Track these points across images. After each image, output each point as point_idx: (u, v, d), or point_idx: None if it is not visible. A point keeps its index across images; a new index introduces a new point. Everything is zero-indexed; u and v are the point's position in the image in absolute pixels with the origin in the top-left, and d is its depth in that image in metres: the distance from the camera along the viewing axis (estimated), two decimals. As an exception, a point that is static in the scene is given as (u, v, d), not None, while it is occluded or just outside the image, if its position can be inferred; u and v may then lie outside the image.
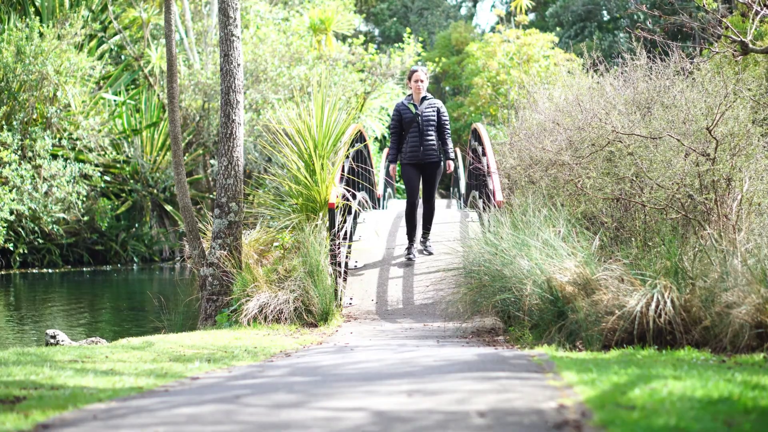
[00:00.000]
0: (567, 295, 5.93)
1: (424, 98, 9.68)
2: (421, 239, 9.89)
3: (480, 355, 4.92)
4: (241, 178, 8.95)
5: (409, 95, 9.76)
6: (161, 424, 2.96)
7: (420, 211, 9.90)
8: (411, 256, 9.62)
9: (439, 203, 18.42)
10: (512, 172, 10.10)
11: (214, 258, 8.81)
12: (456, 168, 19.57)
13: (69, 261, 22.16)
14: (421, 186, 9.80)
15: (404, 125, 9.60)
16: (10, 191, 19.36)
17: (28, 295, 16.66)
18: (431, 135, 9.62)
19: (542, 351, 5.33)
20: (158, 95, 24.49)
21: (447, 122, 9.74)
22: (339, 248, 8.81)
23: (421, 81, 9.61)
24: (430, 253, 9.67)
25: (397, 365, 4.53)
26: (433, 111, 9.64)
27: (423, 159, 9.59)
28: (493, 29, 34.89)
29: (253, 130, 22.85)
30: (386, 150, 9.88)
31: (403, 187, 28.97)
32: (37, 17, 22.08)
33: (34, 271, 20.96)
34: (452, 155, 9.68)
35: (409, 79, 9.72)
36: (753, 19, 7.72)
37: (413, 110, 9.58)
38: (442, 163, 9.68)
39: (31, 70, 20.29)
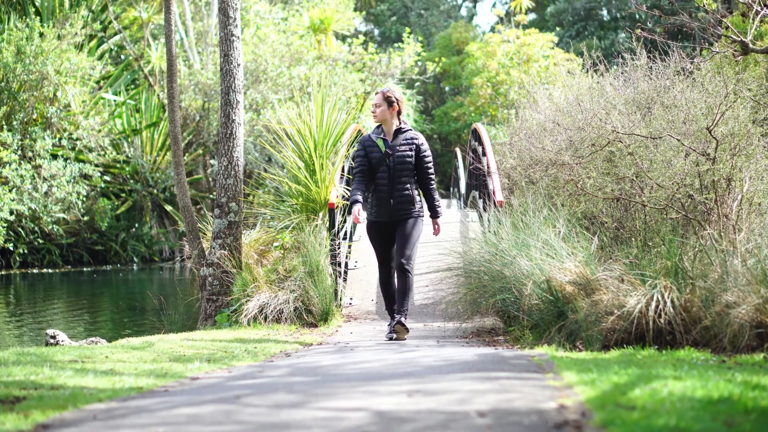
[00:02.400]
0: (567, 295, 5.93)
1: (398, 131, 7.00)
2: (396, 315, 6.93)
3: (480, 355, 4.92)
4: (241, 178, 8.95)
5: (378, 127, 7.09)
6: (161, 424, 2.96)
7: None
8: (392, 335, 6.92)
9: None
10: (512, 172, 10.10)
11: (214, 258, 8.81)
12: (456, 168, 19.56)
13: (69, 261, 22.15)
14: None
15: (371, 167, 6.99)
16: (10, 191, 19.35)
17: (28, 295, 16.66)
18: (406, 184, 6.93)
19: (542, 351, 5.33)
20: (158, 95, 24.49)
21: (430, 165, 7.00)
22: (339, 248, 8.81)
23: (380, 106, 7.00)
24: (408, 331, 6.89)
25: (397, 365, 4.53)
26: (410, 149, 6.93)
27: (393, 217, 6.95)
28: (492, 29, 34.89)
29: (253, 130, 22.85)
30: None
31: None
32: (37, 17, 22.08)
33: (34, 271, 20.96)
34: (441, 212, 7.10)
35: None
36: (753, 19, 7.71)
37: (382, 148, 6.93)
38: (420, 219, 7.00)
39: (31, 70, 20.29)
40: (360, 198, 6.85)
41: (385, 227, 6.97)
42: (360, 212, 6.78)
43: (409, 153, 6.94)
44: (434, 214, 7.09)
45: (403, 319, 6.82)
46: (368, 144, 7.01)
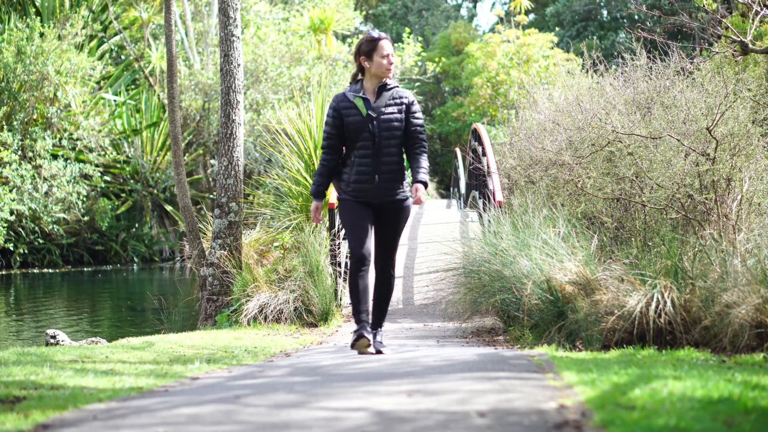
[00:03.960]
0: (567, 295, 5.93)
1: (382, 88, 5.55)
2: (371, 326, 5.57)
3: (480, 355, 4.92)
4: (241, 178, 8.96)
5: (356, 83, 5.60)
6: (161, 424, 2.96)
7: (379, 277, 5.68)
8: (369, 348, 5.44)
9: (439, 203, 18.41)
10: (512, 172, 10.10)
11: (214, 258, 8.81)
12: (456, 168, 19.56)
13: (69, 261, 22.16)
14: (374, 234, 5.61)
15: (348, 134, 5.51)
16: (11, 191, 19.36)
17: (28, 295, 16.66)
18: (395, 155, 5.52)
19: (542, 351, 5.33)
20: (158, 95, 24.50)
21: (422, 127, 5.60)
22: (339, 248, 8.81)
23: (392, 56, 5.56)
24: (379, 351, 5.45)
25: (397, 365, 4.53)
26: (399, 110, 5.51)
27: (380, 196, 5.51)
28: (492, 29, 34.90)
29: (253, 130, 22.86)
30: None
31: None
32: (38, 17, 22.09)
33: (35, 271, 20.97)
34: (425, 176, 5.48)
35: (368, 54, 5.51)
36: (753, 20, 7.72)
37: (363, 109, 5.47)
38: (409, 206, 5.62)
39: (32, 70, 20.30)
40: (324, 189, 5.58)
41: (366, 206, 5.54)
42: (319, 210, 5.58)
43: (398, 116, 5.49)
44: (416, 176, 5.47)
45: (379, 338, 5.58)
46: (344, 105, 5.50)
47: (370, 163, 5.47)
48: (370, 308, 5.56)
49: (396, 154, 5.53)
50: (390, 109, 5.51)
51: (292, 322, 8.03)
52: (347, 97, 5.54)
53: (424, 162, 5.55)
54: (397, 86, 5.64)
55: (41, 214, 20.26)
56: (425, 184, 5.47)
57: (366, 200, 5.52)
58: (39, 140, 20.37)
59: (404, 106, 5.53)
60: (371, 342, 5.40)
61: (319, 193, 5.59)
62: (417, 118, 5.56)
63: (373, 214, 5.55)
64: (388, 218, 5.58)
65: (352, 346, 5.43)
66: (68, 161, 21.20)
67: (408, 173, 5.68)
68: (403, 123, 5.53)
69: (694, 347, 5.18)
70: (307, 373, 4.38)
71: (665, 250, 5.93)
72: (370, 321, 5.54)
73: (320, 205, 5.59)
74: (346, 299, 8.93)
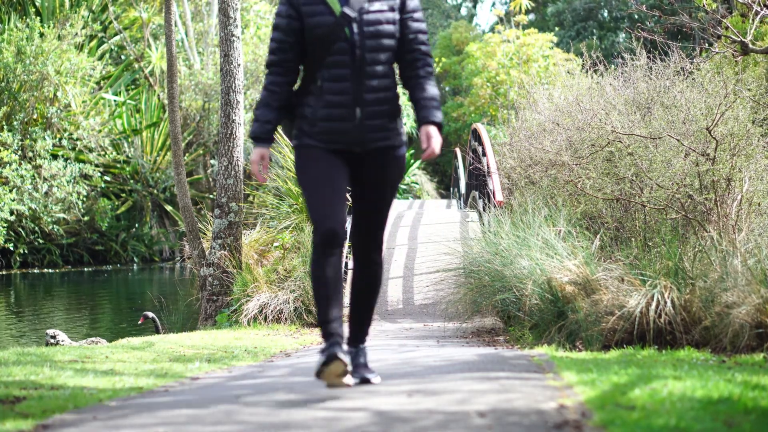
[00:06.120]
0: (567, 295, 5.93)
1: None
2: (348, 341, 3.83)
3: (480, 355, 4.92)
4: (241, 178, 8.96)
5: None
6: (161, 424, 2.96)
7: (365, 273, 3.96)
8: (344, 377, 3.50)
9: (439, 203, 18.36)
10: (512, 172, 10.10)
11: (214, 258, 8.81)
12: (456, 168, 19.56)
13: (69, 261, 22.16)
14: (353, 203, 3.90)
15: (312, 46, 3.68)
16: (11, 191, 19.36)
17: (28, 296, 16.66)
18: (384, 77, 3.73)
19: (542, 351, 5.33)
20: (158, 95, 24.50)
21: (424, 35, 3.79)
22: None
23: None
24: (365, 380, 3.71)
25: (397, 365, 4.53)
26: (391, 7, 3.74)
27: (363, 141, 3.71)
28: (492, 29, 34.91)
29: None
30: None
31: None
32: (38, 17, 22.09)
33: (35, 271, 20.97)
34: (438, 113, 3.72)
35: None
36: (753, 20, 7.72)
37: (336, 5, 3.68)
38: (402, 151, 3.79)
39: (32, 70, 20.30)
40: (272, 128, 3.70)
41: (338, 157, 3.69)
42: (264, 160, 3.69)
43: (390, 15, 3.71)
44: (426, 115, 3.70)
45: (363, 359, 3.76)
46: (306, 0, 3.68)
47: (349, 89, 3.63)
48: (346, 314, 4.02)
49: (387, 74, 3.69)
50: (377, 6, 3.70)
51: (292, 322, 8.02)
52: None
53: (433, 89, 3.75)
54: None
55: (41, 214, 20.26)
56: (439, 126, 3.69)
57: (340, 148, 3.68)
58: (39, 140, 20.37)
59: (397, 1, 3.74)
60: (348, 366, 3.45)
61: (265, 134, 3.69)
62: (417, 20, 3.77)
63: (349, 170, 3.72)
64: (375, 176, 3.73)
65: (318, 375, 3.45)
66: (68, 161, 21.20)
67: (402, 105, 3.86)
68: (397, 27, 3.72)
69: (695, 347, 5.18)
70: (307, 373, 4.38)
71: (665, 250, 5.93)
72: (346, 334, 3.73)
73: (266, 153, 3.69)
74: (346, 299, 8.92)
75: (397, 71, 3.84)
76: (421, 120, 3.73)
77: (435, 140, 3.66)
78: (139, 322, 9.26)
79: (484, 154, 11.37)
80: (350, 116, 3.66)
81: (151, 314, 8.77)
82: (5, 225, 19.26)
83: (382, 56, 3.70)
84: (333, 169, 3.68)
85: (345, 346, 3.62)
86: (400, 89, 3.88)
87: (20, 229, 20.38)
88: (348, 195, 3.84)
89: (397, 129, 3.76)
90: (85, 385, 4.08)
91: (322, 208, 3.61)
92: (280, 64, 3.71)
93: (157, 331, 8.54)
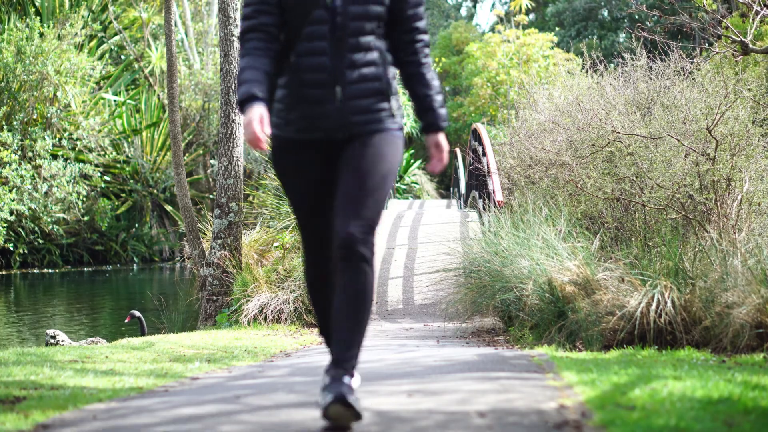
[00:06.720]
0: (567, 295, 5.93)
1: None
2: (332, 362, 2.96)
3: (480, 356, 4.92)
4: (241, 178, 8.96)
5: None
6: (161, 424, 2.96)
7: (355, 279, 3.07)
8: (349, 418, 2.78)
9: (439, 203, 18.37)
10: (512, 172, 10.10)
11: (214, 258, 8.81)
12: (456, 168, 19.55)
13: (69, 261, 22.16)
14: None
15: (294, 7, 3.08)
16: (10, 191, 19.36)
17: (28, 296, 16.66)
18: (369, 51, 3.10)
19: (542, 351, 5.33)
20: (158, 95, 24.50)
21: (421, 7, 3.20)
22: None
23: None
24: (357, 416, 2.79)
25: (397, 365, 4.53)
26: None
27: (345, 126, 3.07)
28: (492, 29, 34.91)
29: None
30: None
31: (395, 184, 27.52)
32: (38, 17, 22.10)
33: (34, 271, 20.97)
34: (443, 111, 3.18)
35: None
36: (753, 20, 7.72)
37: None
38: (397, 137, 3.14)
39: (32, 70, 20.30)
40: (259, 88, 3.02)
41: (317, 154, 3.14)
42: (263, 121, 2.97)
43: None
44: (433, 121, 3.20)
45: (348, 381, 2.89)
46: None
47: (326, 64, 3.05)
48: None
49: (373, 47, 3.10)
50: None
51: (292, 322, 8.02)
52: None
53: (435, 80, 3.22)
54: None
55: (41, 214, 20.26)
56: (443, 130, 3.19)
57: (319, 137, 3.10)
58: (39, 140, 20.38)
59: None
60: (356, 410, 2.79)
61: (257, 91, 3.01)
62: None
63: (331, 162, 3.13)
64: (363, 154, 3.07)
65: (326, 415, 2.81)
66: (68, 161, 21.21)
67: (395, 88, 3.19)
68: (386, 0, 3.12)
69: (695, 347, 5.18)
70: (307, 373, 4.37)
71: (665, 250, 5.93)
72: (342, 354, 2.98)
73: (264, 111, 2.99)
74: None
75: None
76: (429, 127, 3.20)
77: (445, 151, 3.22)
78: (126, 321, 9.28)
79: (484, 154, 11.38)
80: (329, 97, 3.05)
81: (137, 313, 8.76)
82: (5, 225, 19.26)
83: (367, 25, 3.09)
84: (311, 162, 3.13)
85: (351, 378, 2.92)
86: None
87: (20, 229, 20.38)
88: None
89: (389, 111, 3.12)
90: (85, 385, 4.08)
91: (307, 221, 3.20)
92: (259, 29, 3.09)
93: (142, 332, 8.54)
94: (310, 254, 3.25)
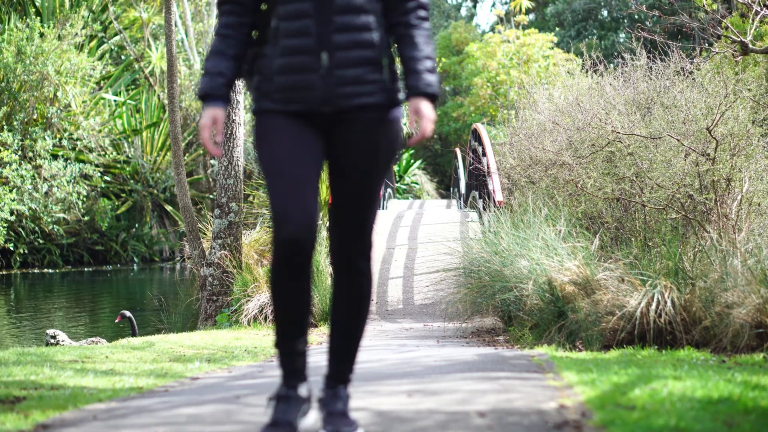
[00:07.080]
0: (567, 295, 5.93)
1: None
2: (325, 380, 2.88)
3: (480, 355, 4.92)
4: (241, 178, 8.96)
5: None
6: (161, 424, 2.96)
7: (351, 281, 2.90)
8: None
9: (439, 203, 18.36)
10: (512, 172, 10.10)
11: (215, 258, 8.82)
12: (456, 168, 19.56)
13: (69, 261, 22.16)
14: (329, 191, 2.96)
15: None
16: (11, 191, 19.36)
17: (28, 295, 16.66)
18: (361, 14, 2.71)
19: (542, 351, 5.33)
20: (158, 95, 24.50)
21: None
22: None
23: None
24: None
25: (397, 365, 4.53)
26: None
27: (333, 97, 2.70)
28: (492, 29, 34.92)
29: (253, 130, 22.89)
30: None
31: (392, 185, 27.56)
32: (38, 18, 22.10)
33: (35, 271, 20.97)
34: (432, 78, 2.73)
35: None
36: (753, 20, 7.72)
37: None
38: (395, 114, 2.77)
39: (32, 70, 20.30)
40: (223, 83, 2.78)
41: (306, 131, 2.78)
42: (217, 124, 2.79)
43: None
44: (414, 83, 2.76)
45: (341, 406, 2.78)
46: None
47: (310, 27, 2.70)
48: (308, 342, 2.89)
49: (365, 10, 2.74)
50: None
51: (292, 322, 8.02)
52: None
53: (427, 45, 2.81)
54: None
55: (41, 214, 20.26)
56: (433, 97, 2.76)
57: (304, 108, 2.76)
58: (39, 140, 20.38)
59: None
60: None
61: (215, 90, 2.78)
62: None
63: (319, 141, 2.80)
64: (355, 143, 2.79)
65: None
66: (68, 161, 21.21)
67: (390, 56, 2.83)
68: None
69: (695, 347, 5.18)
70: (307, 373, 4.37)
71: (665, 250, 5.93)
72: (339, 366, 2.89)
73: (220, 115, 2.79)
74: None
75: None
76: (410, 89, 2.75)
77: (426, 119, 2.71)
78: (116, 321, 9.28)
79: (484, 154, 11.38)
80: (314, 64, 2.69)
81: (128, 313, 8.76)
82: (5, 225, 19.27)
83: None
84: (298, 146, 2.74)
85: (300, 391, 2.77)
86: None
87: (20, 229, 20.39)
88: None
89: (384, 83, 2.75)
90: (85, 385, 4.08)
91: (282, 203, 2.69)
92: (233, 4, 2.81)
93: (133, 333, 8.54)
94: (283, 224, 2.66)
